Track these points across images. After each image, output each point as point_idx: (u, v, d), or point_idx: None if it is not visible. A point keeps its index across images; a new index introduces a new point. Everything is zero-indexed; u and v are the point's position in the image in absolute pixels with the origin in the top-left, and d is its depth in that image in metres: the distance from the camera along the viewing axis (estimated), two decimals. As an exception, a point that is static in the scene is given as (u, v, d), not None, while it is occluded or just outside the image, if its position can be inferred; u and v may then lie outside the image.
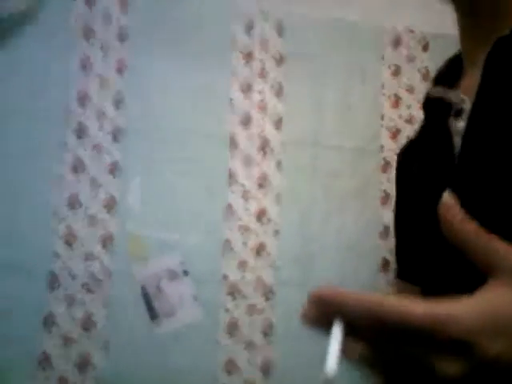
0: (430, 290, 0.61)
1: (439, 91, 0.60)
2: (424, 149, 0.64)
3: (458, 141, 0.54)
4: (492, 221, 0.47)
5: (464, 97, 0.55)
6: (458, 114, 0.55)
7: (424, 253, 0.61)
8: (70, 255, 1.18)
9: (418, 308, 0.33)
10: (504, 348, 0.33)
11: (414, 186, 0.66)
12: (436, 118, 0.61)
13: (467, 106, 0.54)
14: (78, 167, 1.22)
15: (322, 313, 0.34)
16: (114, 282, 1.19)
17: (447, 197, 0.40)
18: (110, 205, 1.22)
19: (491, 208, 0.49)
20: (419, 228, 0.62)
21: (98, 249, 1.19)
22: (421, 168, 0.64)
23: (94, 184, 1.22)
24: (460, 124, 0.55)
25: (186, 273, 1.20)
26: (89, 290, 1.18)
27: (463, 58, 0.62)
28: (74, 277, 1.17)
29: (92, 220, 1.20)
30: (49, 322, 1.16)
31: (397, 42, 1.38)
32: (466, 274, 0.48)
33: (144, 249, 1.20)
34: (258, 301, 1.22)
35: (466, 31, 0.60)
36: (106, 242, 1.20)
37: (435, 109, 0.61)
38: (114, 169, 1.23)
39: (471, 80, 0.55)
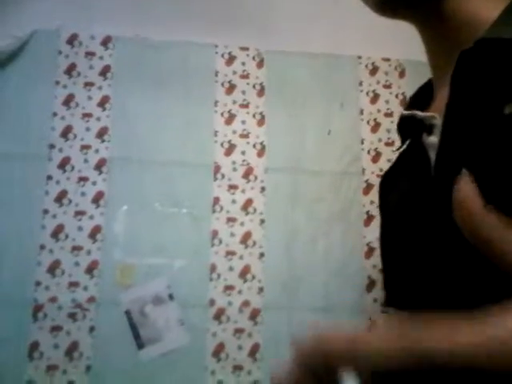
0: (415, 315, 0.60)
1: (411, 112, 0.61)
2: (403, 166, 0.66)
3: (432, 155, 0.54)
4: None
5: (434, 114, 0.55)
6: (430, 130, 0.56)
7: (408, 277, 0.60)
8: (55, 284, 1.19)
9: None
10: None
11: (395, 204, 0.66)
12: (410, 136, 0.62)
13: (438, 121, 0.54)
14: (62, 199, 1.25)
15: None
16: (99, 310, 1.19)
17: (464, 180, 0.35)
18: (96, 234, 1.23)
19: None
20: (403, 252, 0.61)
21: (83, 278, 1.20)
22: (402, 183, 0.65)
23: (80, 214, 1.24)
24: (432, 139, 0.55)
25: (171, 297, 1.21)
26: (74, 319, 1.18)
27: (433, 79, 0.63)
28: (59, 306, 1.18)
29: (77, 250, 1.22)
30: (34, 351, 1.16)
31: (374, 70, 1.42)
32: (451, 296, 0.49)
33: (131, 276, 1.21)
34: (245, 324, 1.22)
35: (432, 50, 0.60)
36: (92, 271, 1.21)
37: (408, 127, 0.61)
38: (99, 199, 1.25)
39: (441, 98, 0.55)
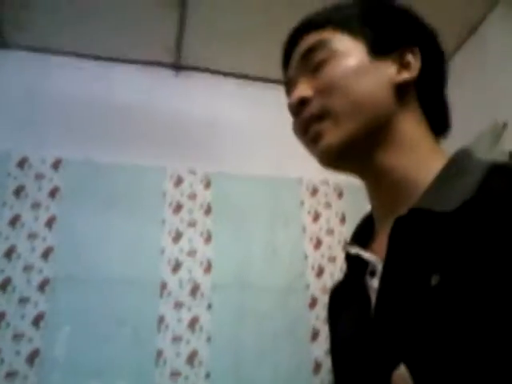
0: None
1: (356, 249, 0.67)
2: (346, 299, 0.70)
3: (373, 296, 0.59)
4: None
5: (377, 259, 0.59)
6: (373, 273, 0.60)
7: None
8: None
9: None
10: None
11: (340, 332, 0.71)
12: (354, 274, 0.68)
13: (379, 266, 0.59)
14: (1, 321, 1.19)
15: None
16: None
17: (401, 372, 0.42)
18: (34, 358, 1.17)
19: (409, 360, 0.49)
20: (354, 371, 0.62)
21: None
22: (344, 317, 0.69)
23: (18, 337, 1.18)
24: (374, 282, 0.59)
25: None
26: None
27: (375, 218, 0.70)
28: None
29: (13, 376, 1.14)
30: None
31: (314, 191, 1.51)
32: None
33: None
34: None
35: (373, 199, 0.68)
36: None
37: (353, 265, 0.65)
38: (39, 320, 1.21)
39: (380, 242, 0.60)
